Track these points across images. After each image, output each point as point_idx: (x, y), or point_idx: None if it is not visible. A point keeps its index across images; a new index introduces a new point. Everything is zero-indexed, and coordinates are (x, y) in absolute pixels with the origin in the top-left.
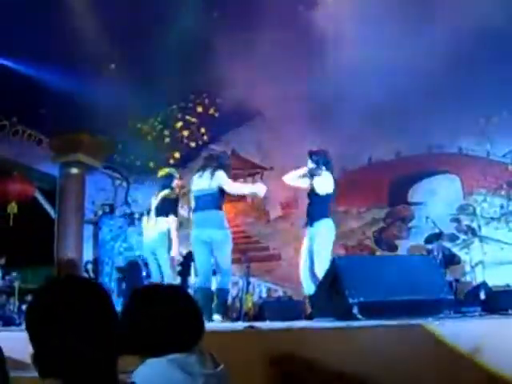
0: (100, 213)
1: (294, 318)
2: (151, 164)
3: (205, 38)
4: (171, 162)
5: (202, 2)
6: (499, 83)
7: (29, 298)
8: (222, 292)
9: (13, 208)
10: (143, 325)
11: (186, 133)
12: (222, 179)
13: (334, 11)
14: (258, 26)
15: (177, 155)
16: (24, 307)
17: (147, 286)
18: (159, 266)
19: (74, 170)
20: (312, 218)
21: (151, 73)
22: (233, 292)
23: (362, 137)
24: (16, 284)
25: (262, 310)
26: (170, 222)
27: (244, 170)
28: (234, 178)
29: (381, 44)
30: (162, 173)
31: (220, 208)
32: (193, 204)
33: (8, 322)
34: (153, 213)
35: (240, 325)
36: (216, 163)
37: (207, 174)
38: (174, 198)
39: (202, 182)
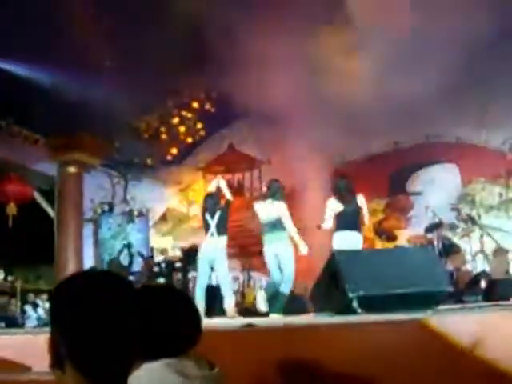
0: (99, 211)
1: (295, 312)
2: (149, 161)
3: (202, 32)
4: (169, 158)
5: None
6: (495, 71)
7: (31, 298)
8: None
9: (12, 209)
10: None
11: (182, 128)
12: (283, 210)
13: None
14: (260, 19)
15: (174, 151)
16: (26, 308)
17: (142, 287)
18: (209, 277)
19: (72, 169)
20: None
21: (146, 69)
22: (234, 286)
23: (360, 128)
24: (18, 284)
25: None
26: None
27: (241, 163)
28: (232, 171)
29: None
30: (211, 187)
31: (284, 228)
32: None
33: (11, 323)
34: (213, 229)
35: (239, 321)
36: (273, 192)
37: (270, 202)
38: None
39: (267, 209)
